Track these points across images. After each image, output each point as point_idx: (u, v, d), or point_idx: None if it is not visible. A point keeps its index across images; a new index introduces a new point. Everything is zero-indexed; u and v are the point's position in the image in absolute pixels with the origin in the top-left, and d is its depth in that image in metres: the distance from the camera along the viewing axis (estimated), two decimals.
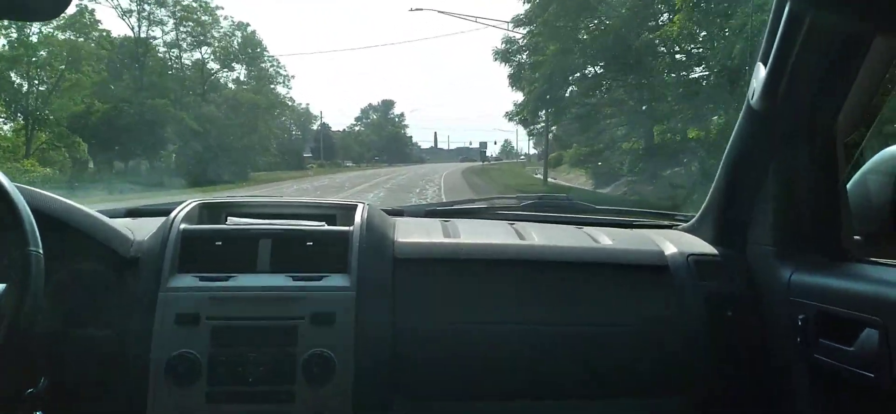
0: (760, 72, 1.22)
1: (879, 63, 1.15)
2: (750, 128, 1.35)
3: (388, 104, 69.79)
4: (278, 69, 30.87)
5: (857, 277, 1.15)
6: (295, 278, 1.33)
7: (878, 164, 1.19)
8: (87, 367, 1.29)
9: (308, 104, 59.58)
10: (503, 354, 1.37)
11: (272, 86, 30.45)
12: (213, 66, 27.93)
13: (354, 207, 1.48)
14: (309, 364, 1.26)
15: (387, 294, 1.34)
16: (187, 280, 1.31)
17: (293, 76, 32.61)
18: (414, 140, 75.61)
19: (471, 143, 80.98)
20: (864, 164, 1.24)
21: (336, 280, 1.33)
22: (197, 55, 26.94)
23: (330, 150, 51.69)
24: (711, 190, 1.52)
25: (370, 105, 69.88)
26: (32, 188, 1.26)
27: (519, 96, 19.70)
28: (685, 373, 1.38)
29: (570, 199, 1.96)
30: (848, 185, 1.24)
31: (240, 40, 28.18)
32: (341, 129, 62.44)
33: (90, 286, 1.31)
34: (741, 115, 1.36)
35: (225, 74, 28.61)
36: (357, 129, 65.86)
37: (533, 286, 1.40)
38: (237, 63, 28.88)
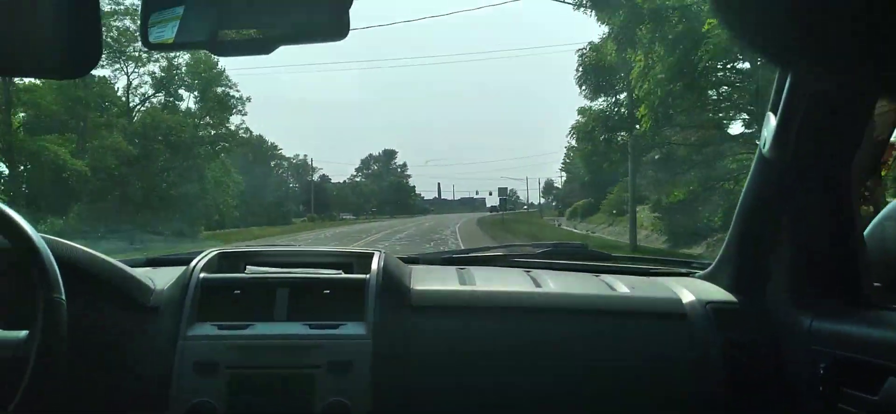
0: (771, 121, 1.24)
1: (890, 111, 1.18)
2: (763, 176, 1.36)
3: (389, 154, 68.92)
4: (229, 89, 23.16)
5: (879, 325, 1.14)
6: (312, 326, 1.33)
7: (895, 211, 1.21)
8: None
9: (306, 155, 58.27)
10: (519, 401, 1.35)
11: (225, 114, 23.48)
12: (146, 91, 21.13)
13: (371, 255, 1.49)
14: (326, 413, 1.25)
15: (403, 342, 1.34)
16: (206, 329, 1.31)
17: (249, 98, 24.63)
18: (417, 190, 74.10)
19: (477, 193, 79.44)
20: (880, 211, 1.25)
21: (352, 328, 1.33)
22: (118, 74, 20.06)
23: (324, 202, 51.12)
24: (728, 236, 1.52)
25: (371, 155, 69.00)
26: (55, 238, 1.28)
27: (581, 101, 13.10)
28: None
29: (586, 246, 1.97)
30: (865, 233, 1.25)
31: (187, 59, 21.26)
32: (341, 181, 61.72)
33: (111, 334, 1.31)
34: (754, 163, 1.38)
35: (161, 100, 21.63)
36: (357, 179, 64.94)
37: (549, 334, 1.40)
38: (185, 89, 21.67)
